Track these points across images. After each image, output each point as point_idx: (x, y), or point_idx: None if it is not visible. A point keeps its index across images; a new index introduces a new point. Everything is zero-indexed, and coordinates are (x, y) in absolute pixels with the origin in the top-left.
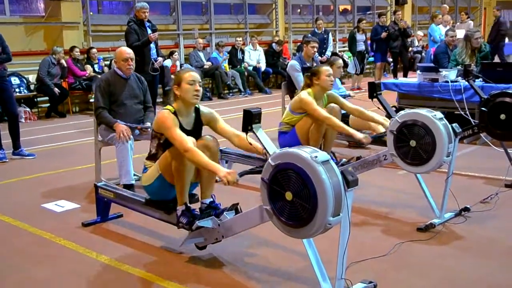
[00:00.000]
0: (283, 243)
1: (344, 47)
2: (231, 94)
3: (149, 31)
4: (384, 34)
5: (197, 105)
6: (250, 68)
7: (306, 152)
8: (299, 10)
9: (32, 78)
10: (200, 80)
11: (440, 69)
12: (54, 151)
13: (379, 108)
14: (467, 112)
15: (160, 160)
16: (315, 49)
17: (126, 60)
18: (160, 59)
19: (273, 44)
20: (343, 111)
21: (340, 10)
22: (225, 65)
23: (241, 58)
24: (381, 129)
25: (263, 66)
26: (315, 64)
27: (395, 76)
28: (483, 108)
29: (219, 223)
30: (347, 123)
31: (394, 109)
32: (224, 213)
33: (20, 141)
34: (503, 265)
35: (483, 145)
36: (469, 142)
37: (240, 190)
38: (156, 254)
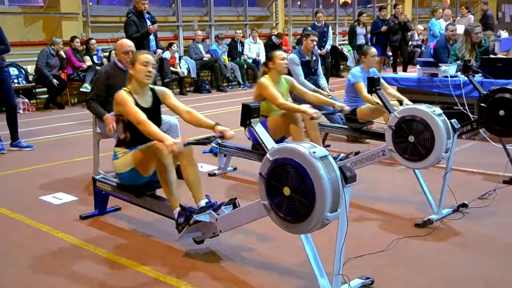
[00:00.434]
0: (281, 238)
1: (344, 40)
2: (230, 87)
3: (148, 22)
4: (384, 28)
5: (151, 85)
6: (250, 60)
7: (304, 147)
8: (299, 3)
9: (30, 69)
10: (154, 63)
11: (440, 64)
12: (52, 143)
13: (378, 103)
14: (466, 108)
15: (135, 155)
16: (315, 43)
17: (126, 52)
18: (159, 51)
19: (273, 37)
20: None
21: (341, 3)
22: (225, 57)
23: (240, 50)
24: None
25: (262, 59)
26: (314, 58)
27: (395, 70)
28: (482, 104)
29: (216, 218)
30: (355, 115)
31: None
32: (222, 207)
33: (18, 133)
34: (501, 261)
35: (482, 141)
36: (467, 138)
37: (238, 184)
38: (153, 247)
